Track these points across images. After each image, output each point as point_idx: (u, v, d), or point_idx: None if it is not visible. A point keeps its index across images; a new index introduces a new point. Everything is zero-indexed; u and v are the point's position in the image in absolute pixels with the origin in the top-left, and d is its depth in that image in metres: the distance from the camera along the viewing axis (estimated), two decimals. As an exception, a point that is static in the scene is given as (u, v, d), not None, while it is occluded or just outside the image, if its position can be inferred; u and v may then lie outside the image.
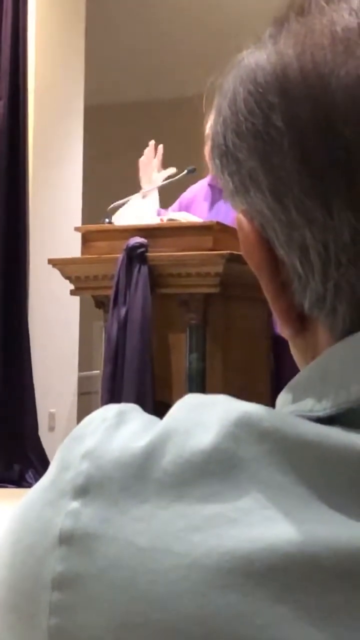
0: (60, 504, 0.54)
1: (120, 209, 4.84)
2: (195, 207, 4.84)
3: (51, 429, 6.90)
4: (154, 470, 0.52)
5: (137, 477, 0.53)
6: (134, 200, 4.88)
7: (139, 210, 4.80)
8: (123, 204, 4.98)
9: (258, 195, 0.59)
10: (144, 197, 4.91)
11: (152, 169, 4.92)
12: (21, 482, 6.36)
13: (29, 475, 6.41)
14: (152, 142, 4.93)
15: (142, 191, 4.92)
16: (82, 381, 7.56)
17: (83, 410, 7.08)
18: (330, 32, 0.57)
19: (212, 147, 0.63)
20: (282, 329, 0.63)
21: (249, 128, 0.59)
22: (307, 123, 0.56)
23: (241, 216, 0.61)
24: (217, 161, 0.63)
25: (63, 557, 0.52)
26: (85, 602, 0.51)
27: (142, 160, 4.93)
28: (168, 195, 5.06)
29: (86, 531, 0.52)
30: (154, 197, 4.93)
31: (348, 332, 0.57)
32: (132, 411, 0.57)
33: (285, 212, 0.58)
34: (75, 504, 0.53)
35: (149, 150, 4.93)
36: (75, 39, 7.39)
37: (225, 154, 0.61)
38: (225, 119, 0.61)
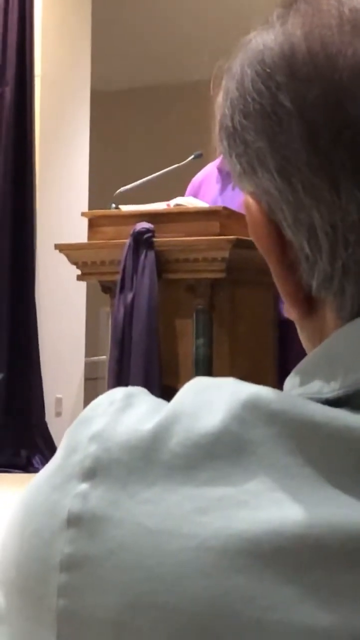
0: (68, 487, 0.54)
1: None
2: (205, 189, 4.84)
3: (58, 414, 6.91)
4: (162, 452, 0.52)
5: (145, 460, 0.53)
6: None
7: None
8: (130, 190, 4.99)
9: (266, 176, 0.59)
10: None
11: None
12: (28, 467, 6.38)
13: (36, 460, 6.43)
14: None
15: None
16: (88, 367, 7.56)
17: (90, 396, 7.09)
18: (338, 12, 0.57)
19: (220, 129, 0.63)
20: (290, 312, 0.62)
21: (257, 109, 0.59)
22: (315, 102, 0.56)
23: (249, 198, 0.61)
24: (225, 143, 0.62)
25: (71, 539, 0.52)
26: (94, 583, 0.51)
27: None
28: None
29: (94, 513, 0.52)
30: None
31: (356, 313, 0.57)
32: (139, 394, 0.57)
33: (293, 193, 0.57)
34: (83, 486, 0.53)
35: None
36: (82, 24, 7.36)
37: (232, 136, 0.61)
38: (233, 101, 0.61)
